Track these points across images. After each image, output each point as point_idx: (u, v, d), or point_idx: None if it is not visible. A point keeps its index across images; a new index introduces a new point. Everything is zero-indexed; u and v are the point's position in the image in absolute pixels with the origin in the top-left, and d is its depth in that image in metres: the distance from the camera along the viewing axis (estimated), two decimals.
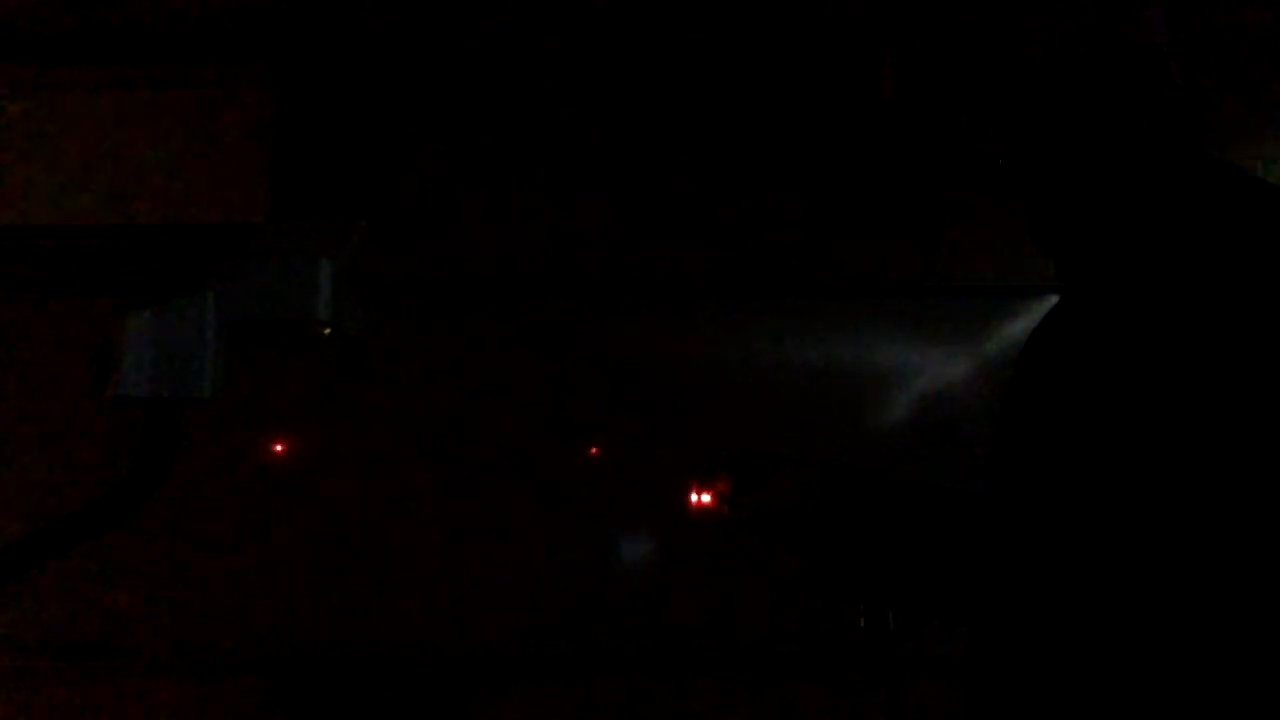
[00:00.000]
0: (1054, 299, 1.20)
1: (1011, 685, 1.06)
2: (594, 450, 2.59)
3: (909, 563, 1.01)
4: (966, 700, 1.13)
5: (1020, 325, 2.57)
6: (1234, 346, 0.93)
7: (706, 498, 1.12)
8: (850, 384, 2.63)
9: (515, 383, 2.63)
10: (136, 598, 2.52)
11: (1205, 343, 0.94)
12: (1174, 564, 0.91)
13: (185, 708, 2.53)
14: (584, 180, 2.73)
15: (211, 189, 2.51)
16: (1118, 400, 0.98)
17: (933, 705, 2.49)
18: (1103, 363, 1.02)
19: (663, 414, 2.60)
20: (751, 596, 2.50)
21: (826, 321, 2.67)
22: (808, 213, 2.72)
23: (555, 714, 2.56)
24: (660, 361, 2.64)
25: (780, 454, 1.10)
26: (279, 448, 2.59)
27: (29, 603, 2.50)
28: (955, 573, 1.00)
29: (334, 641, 2.54)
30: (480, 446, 2.60)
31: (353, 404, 2.60)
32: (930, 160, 2.65)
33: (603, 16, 2.64)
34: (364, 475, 2.58)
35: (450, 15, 2.63)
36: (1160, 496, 0.93)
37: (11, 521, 2.48)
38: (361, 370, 2.59)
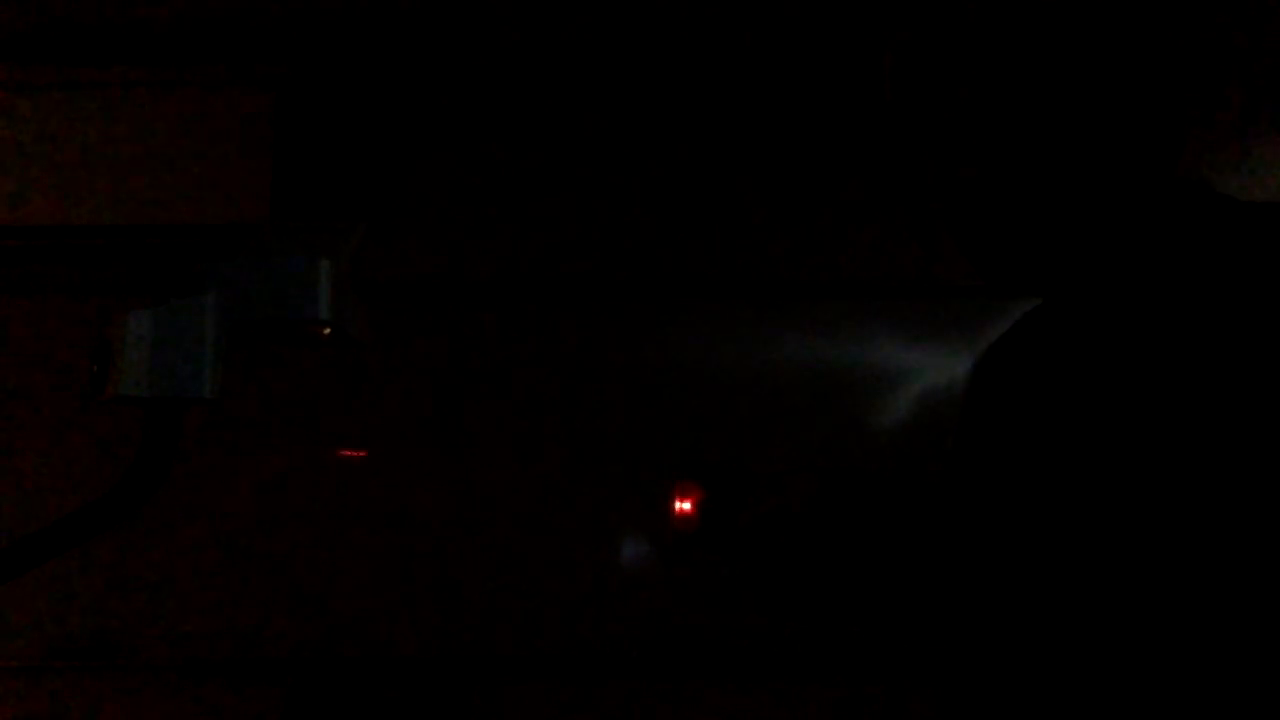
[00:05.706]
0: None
1: (1012, 687, 1.06)
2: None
3: (911, 573, 1.01)
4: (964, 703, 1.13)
5: None
6: (1214, 359, 0.93)
7: (687, 505, 1.12)
8: (850, 384, 2.63)
9: (516, 384, 2.63)
10: (136, 598, 2.53)
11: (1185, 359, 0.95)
12: (1178, 566, 0.91)
13: (185, 708, 2.53)
14: (583, 182, 2.73)
15: (211, 189, 2.51)
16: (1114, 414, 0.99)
17: (933, 706, 2.49)
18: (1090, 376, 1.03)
19: (662, 415, 2.60)
20: (750, 596, 2.50)
21: (826, 321, 2.67)
22: (807, 213, 2.72)
23: (556, 714, 2.56)
24: (660, 362, 2.64)
25: (750, 469, 1.10)
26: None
27: (29, 603, 2.50)
28: (949, 581, 1.01)
29: (334, 641, 2.54)
30: (481, 447, 2.60)
31: (352, 405, 2.60)
32: (929, 160, 2.64)
33: (605, 18, 2.63)
34: (364, 475, 2.58)
35: (451, 15, 2.63)
36: (1164, 500, 0.93)
37: (11, 521, 2.48)
38: (361, 371, 2.59)
